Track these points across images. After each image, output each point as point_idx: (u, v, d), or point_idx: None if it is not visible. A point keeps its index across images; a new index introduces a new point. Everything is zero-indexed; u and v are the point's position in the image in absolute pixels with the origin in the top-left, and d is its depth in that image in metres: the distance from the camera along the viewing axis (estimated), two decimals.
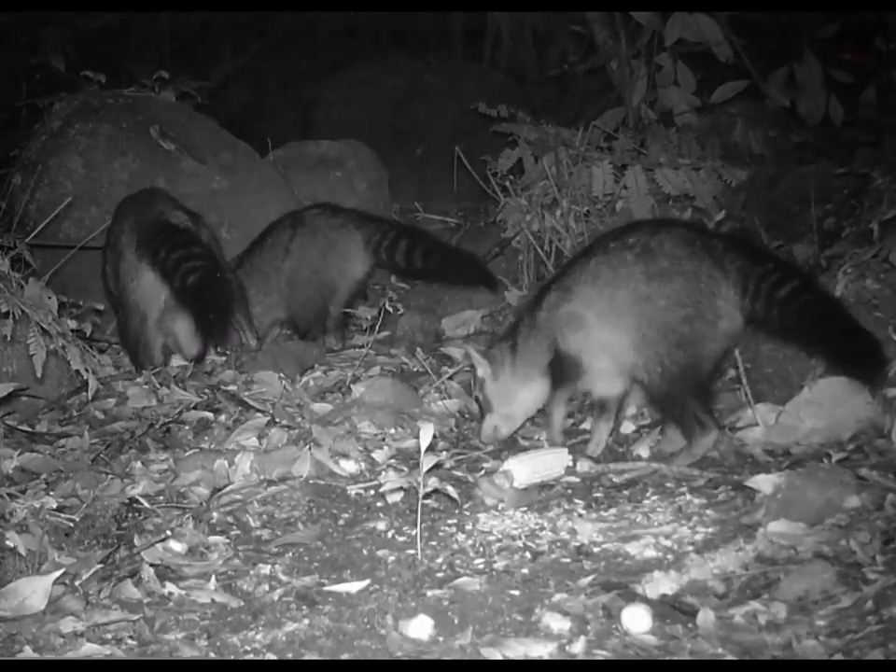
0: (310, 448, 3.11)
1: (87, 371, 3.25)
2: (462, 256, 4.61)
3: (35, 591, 2.32)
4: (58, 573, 2.39)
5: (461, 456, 3.20)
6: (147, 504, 2.85)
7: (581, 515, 2.71)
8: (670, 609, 2.15)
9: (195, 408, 3.59)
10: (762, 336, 3.14)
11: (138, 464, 3.15)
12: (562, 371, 3.13)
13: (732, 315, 2.88)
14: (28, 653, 2.12)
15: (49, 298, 3.40)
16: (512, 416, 3.26)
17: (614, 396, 3.19)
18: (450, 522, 2.73)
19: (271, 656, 2.10)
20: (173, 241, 3.90)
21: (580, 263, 3.10)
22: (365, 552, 2.60)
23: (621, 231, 3.12)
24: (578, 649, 2.03)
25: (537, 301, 3.19)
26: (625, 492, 2.84)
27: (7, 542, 2.54)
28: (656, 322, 2.90)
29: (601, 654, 2.01)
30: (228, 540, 2.67)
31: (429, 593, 2.33)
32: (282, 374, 3.76)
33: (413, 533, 2.61)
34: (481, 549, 2.56)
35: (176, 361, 4.17)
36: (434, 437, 2.86)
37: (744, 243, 2.95)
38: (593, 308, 3.00)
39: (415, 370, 3.97)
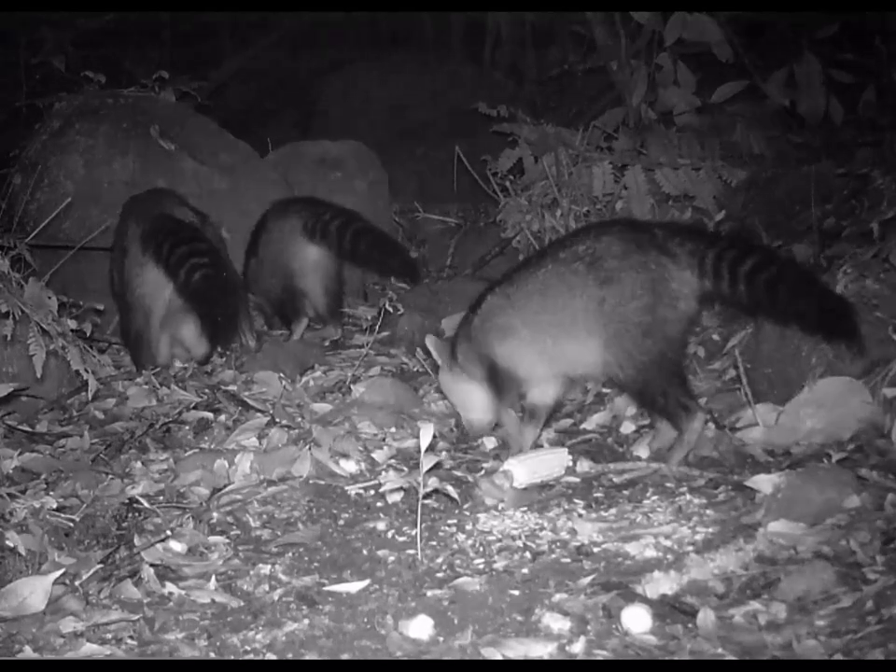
0: (310, 448, 3.11)
1: (87, 371, 3.25)
2: (390, 244, 4.68)
3: (34, 591, 2.32)
4: (58, 573, 2.39)
5: (461, 457, 3.21)
6: (147, 504, 2.85)
7: (581, 515, 2.71)
8: (670, 609, 2.15)
9: (195, 408, 3.60)
10: (749, 322, 3.19)
11: (138, 464, 3.15)
12: (499, 381, 3.15)
13: (687, 297, 2.92)
14: (28, 653, 2.12)
15: (49, 298, 3.40)
16: (468, 415, 3.26)
17: (546, 404, 3.19)
18: (450, 522, 2.73)
19: (271, 656, 2.10)
20: (177, 237, 3.90)
21: (527, 272, 3.08)
22: (365, 552, 2.60)
23: (569, 240, 3.12)
24: (578, 649, 2.03)
25: (476, 305, 3.18)
26: (625, 492, 2.84)
27: (7, 542, 2.54)
28: (616, 319, 2.92)
29: (601, 654, 2.01)
30: (228, 540, 2.67)
31: (429, 593, 2.33)
32: (282, 374, 3.77)
33: (413, 533, 2.61)
34: (481, 549, 2.56)
35: (177, 361, 4.17)
36: (434, 437, 2.86)
37: (689, 227, 3.00)
38: (537, 318, 3.01)
39: (415, 370, 3.98)
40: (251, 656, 2.10)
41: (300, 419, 3.39)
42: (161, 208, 4.05)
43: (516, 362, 3.08)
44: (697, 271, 2.89)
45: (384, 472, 3.05)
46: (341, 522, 2.80)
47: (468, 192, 5.93)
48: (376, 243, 4.49)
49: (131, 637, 2.20)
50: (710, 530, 2.52)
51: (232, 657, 2.10)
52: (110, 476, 3.02)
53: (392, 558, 2.53)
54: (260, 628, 2.21)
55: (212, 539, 2.66)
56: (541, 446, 3.25)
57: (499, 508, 2.80)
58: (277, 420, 3.36)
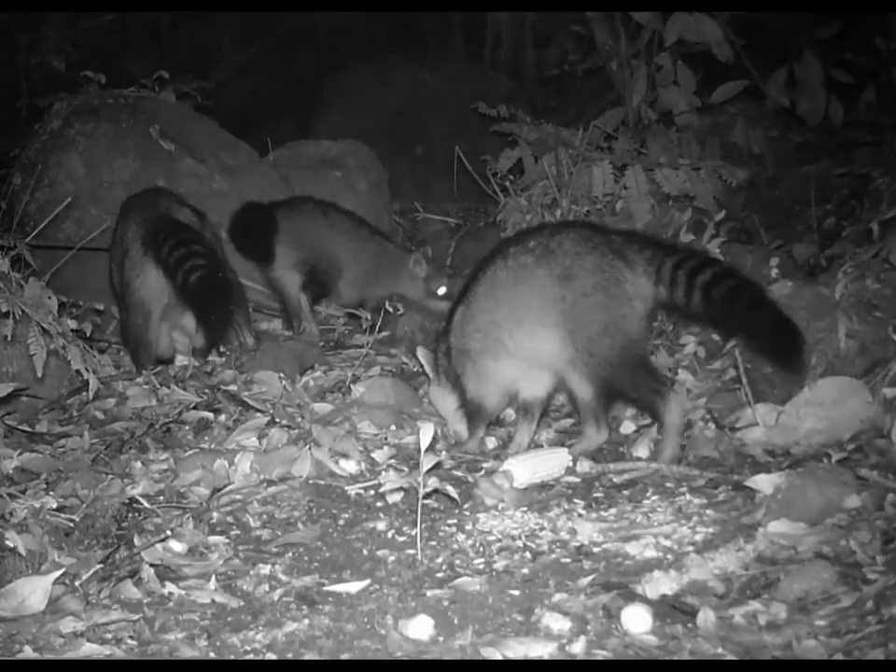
0: (310, 448, 3.11)
1: (87, 370, 3.26)
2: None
3: (34, 591, 2.32)
4: (58, 573, 2.39)
5: (461, 457, 3.21)
6: (147, 504, 2.85)
7: (581, 515, 2.70)
8: (670, 609, 2.14)
9: (195, 408, 3.60)
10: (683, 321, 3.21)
11: (138, 464, 3.15)
12: (471, 410, 3.24)
13: (644, 300, 2.96)
14: (28, 653, 2.12)
15: (49, 298, 3.40)
16: (453, 426, 3.33)
17: (539, 398, 3.21)
18: (450, 522, 2.73)
19: (271, 656, 2.09)
20: (176, 238, 3.90)
21: (480, 273, 3.13)
22: (365, 552, 2.60)
23: (521, 235, 3.18)
24: (578, 649, 2.03)
25: (449, 320, 3.26)
26: (625, 492, 2.84)
27: (7, 542, 2.54)
28: (574, 317, 2.95)
29: (601, 654, 2.01)
30: (228, 540, 2.67)
31: (429, 593, 2.33)
32: (282, 374, 3.76)
33: (413, 533, 2.61)
34: (481, 549, 2.56)
35: (178, 361, 4.17)
36: (434, 437, 2.86)
37: (647, 237, 3.06)
38: (497, 318, 3.06)
39: (415, 370, 3.97)
40: (251, 656, 2.10)
41: (300, 419, 3.39)
42: (161, 209, 4.05)
43: (486, 381, 3.15)
44: (654, 278, 2.92)
45: (384, 472, 3.04)
46: (341, 522, 2.79)
47: (468, 192, 5.94)
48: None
49: (131, 637, 2.20)
50: (710, 530, 2.52)
51: (232, 657, 2.10)
52: (110, 476, 3.02)
53: (392, 558, 2.53)
54: (260, 628, 2.21)
55: (212, 539, 2.66)
56: (541, 446, 3.25)
57: (499, 508, 2.80)
58: (277, 420, 3.36)
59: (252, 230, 4.73)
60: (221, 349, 4.22)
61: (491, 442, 3.32)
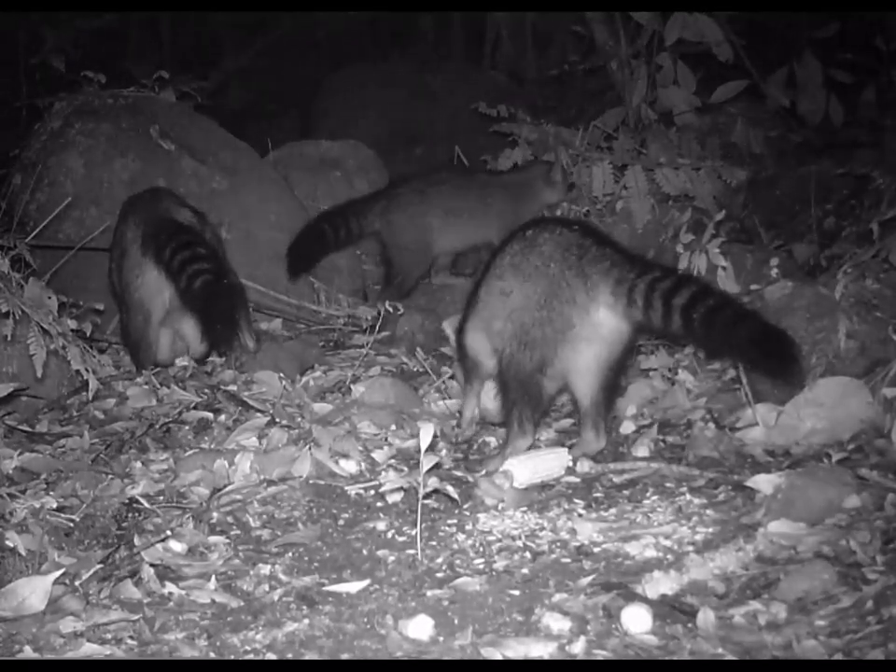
0: (310, 448, 3.10)
1: (87, 370, 3.25)
2: None
3: (34, 591, 2.32)
4: (58, 573, 2.39)
5: (461, 456, 3.21)
6: (147, 504, 2.85)
7: (581, 515, 2.70)
8: (670, 609, 2.14)
9: (195, 408, 3.59)
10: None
11: (138, 464, 3.15)
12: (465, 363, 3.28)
13: (595, 324, 2.90)
14: (28, 653, 2.12)
15: (49, 298, 3.40)
16: (483, 404, 3.35)
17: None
18: (450, 522, 2.73)
19: (271, 656, 2.10)
20: (178, 240, 3.90)
21: (495, 255, 3.17)
22: (365, 552, 2.60)
23: (527, 225, 3.16)
24: (578, 649, 2.03)
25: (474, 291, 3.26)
26: (625, 492, 2.84)
27: (7, 542, 2.54)
28: (514, 317, 2.97)
29: (601, 654, 2.01)
30: (228, 540, 2.67)
31: (429, 593, 2.33)
32: (282, 374, 3.76)
33: (413, 533, 2.61)
34: (481, 549, 2.56)
35: (178, 361, 4.17)
36: (434, 437, 2.86)
37: (626, 252, 3.02)
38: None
39: (415, 370, 3.97)
40: (251, 656, 2.10)
41: (300, 419, 3.39)
42: (161, 210, 4.04)
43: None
44: (624, 301, 2.84)
45: (384, 472, 3.04)
46: (341, 522, 2.79)
47: None
48: None
49: (131, 637, 2.20)
50: (710, 530, 2.52)
51: (232, 657, 2.10)
52: (110, 476, 3.02)
53: (392, 558, 2.53)
54: (260, 628, 2.21)
55: (212, 538, 2.66)
56: (541, 446, 3.25)
57: (499, 508, 2.80)
58: (277, 420, 3.36)
59: None
60: (219, 352, 4.22)
61: (493, 442, 3.32)
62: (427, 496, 2.63)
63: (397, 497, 2.89)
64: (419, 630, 2.13)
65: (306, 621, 2.22)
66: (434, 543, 2.61)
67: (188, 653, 2.12)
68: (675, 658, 1.97)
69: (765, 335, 2.73)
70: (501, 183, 5.05)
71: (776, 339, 2.72)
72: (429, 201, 4.91)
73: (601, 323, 2.91)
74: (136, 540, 2.60)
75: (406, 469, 3.07)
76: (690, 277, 3.16)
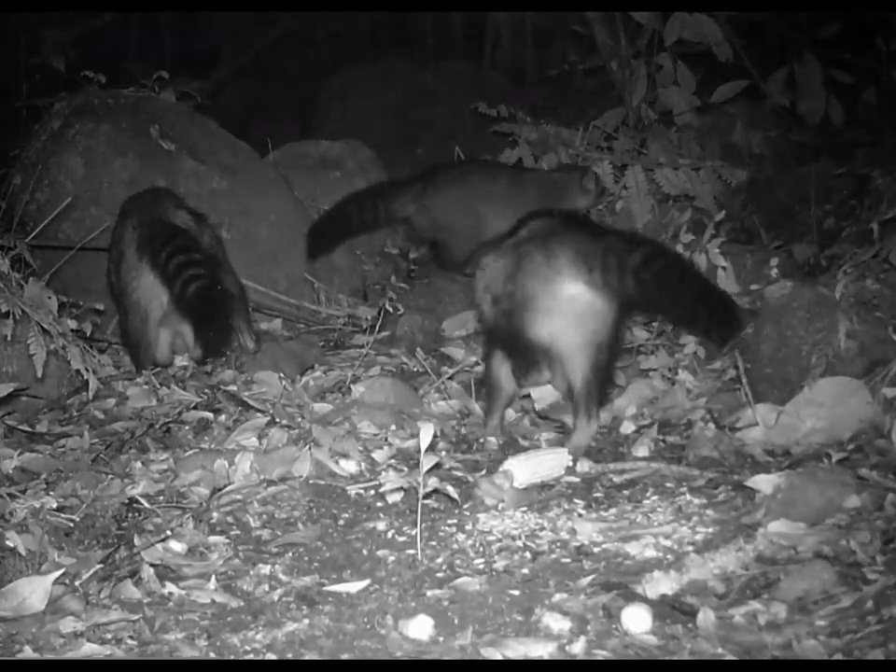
0: (310, 448, 3.10)
1: (87, 370, 3.25)
2: None
3: (34, 591, 2.32)
4: (58, 573, 2.38)
5: (461, 457, 3.21)
6: (147, 504, 2.85)
7: (581, 515, 2.70)
8: (670, 609, 2.14)
9: (195, 408, 3.59)
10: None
11: (138, 464, 3.15)
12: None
13: (566, 299, 2.94)
14: (28, 653, 2.12)
15: (49, 298, 3.40)
16: None
17: None
18: (450, 522, 2.73)
19: (271, 656, 2.09)
20: (174, 244, 3.89)
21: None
22: (365, 552, 2.60)
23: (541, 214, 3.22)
24: (578, 649, 2.03)
25: None
26: (625, 492, 2.84)
27: (7, 542, 2.54)
28: (490, 290, 3.10)
29: (601, 654, 2.01)
30: (228, 540, 2.67)
31: (429, 593, 2.33)
32: (282, 374, 3.76)
33: (413, 533, 2.61)
34: (481, 549, 2.56)
35: (177, 361, 4.17)
36: (434, 437, 2.86)
37: (601, 228, 3.11)
38: None
39: (415, 370, 3.97)
40: (251, 656, 2.10)
41: (300, 419, 3.39)
42: (159, 212, 4.03)
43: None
44: (597, 274, 2.87)
45: (384, 472, 3.04)
46: (341, 522, 2.79)
47: None
48: None
49: (131, 637, 2.20)
50: (710, 530, 2.52)
51: (232, 657, 2.10)
52: (110, 476, 3.02)
53: (392, 558, 2.53)
54: (260, 628, 2.21)
55: (212, 538, 2.66)
56: (541, 446, 3.25)
57: (499, 508, 2.80)
58: (277, 420, 3.36)
59: None
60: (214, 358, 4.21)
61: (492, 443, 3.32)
62: (426, 496, 2.63)
63: (397, 496, 2.89)
64: (419, 630, 2.13)
65: (306, 621, 2.22)
66: (434, 543, 2.61)
67: (188, 653, 2.12)
68: (675, 658, 1.97)
69: (706, 291, 2.84)
70: (536, 179, 5.05)
71: (719, 299, 2.84)
72: (470, 187, 4.91)
73: (574, 297, 2.94)
74: (136, 540, 2.60)
75: (406, 468, 3.07)
76: (642, 238, 3.21)
